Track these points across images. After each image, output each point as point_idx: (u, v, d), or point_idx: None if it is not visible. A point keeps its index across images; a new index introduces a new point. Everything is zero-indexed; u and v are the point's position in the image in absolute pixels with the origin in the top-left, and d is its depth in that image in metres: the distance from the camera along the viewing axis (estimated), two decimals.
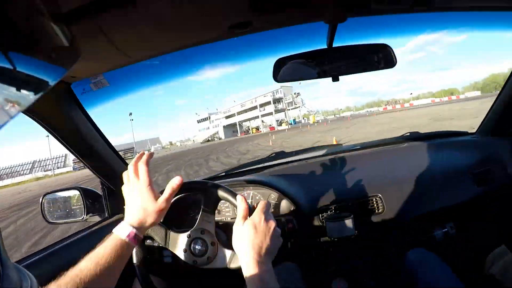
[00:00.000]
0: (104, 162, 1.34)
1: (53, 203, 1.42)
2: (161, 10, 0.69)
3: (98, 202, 1.47)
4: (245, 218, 0.86)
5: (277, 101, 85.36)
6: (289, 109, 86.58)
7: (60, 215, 1.43)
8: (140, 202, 0.89)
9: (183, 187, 0.96)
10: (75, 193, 1.43)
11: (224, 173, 1.90)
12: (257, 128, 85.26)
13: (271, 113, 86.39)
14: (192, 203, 1.43)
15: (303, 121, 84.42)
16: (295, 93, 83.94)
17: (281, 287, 0.80)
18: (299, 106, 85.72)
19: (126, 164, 1.45)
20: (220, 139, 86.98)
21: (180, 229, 1.08)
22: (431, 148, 1.79)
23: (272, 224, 0.86)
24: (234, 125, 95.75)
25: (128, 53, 0.85)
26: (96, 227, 1.34)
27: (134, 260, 1.05)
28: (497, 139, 1.69)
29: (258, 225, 0.84)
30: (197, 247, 1.02)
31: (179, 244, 1.05)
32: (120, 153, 1.46)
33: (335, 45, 0.95)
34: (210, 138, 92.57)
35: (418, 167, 1.61)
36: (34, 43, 0.35)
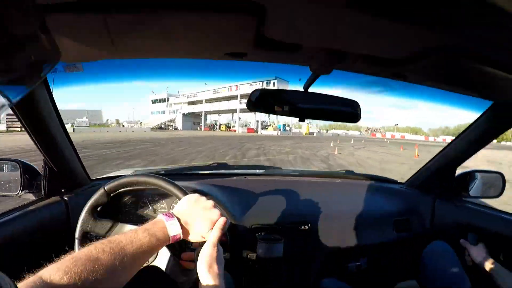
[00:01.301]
0: (53, 141, 1.28)
1: None
2: (169, 21, 0.72)
3: (36, 180, 1.39)
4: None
5: None
6: None
7: None
8: (202, 220, 0.85)
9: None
10: (13, 165, 1.34)
11: (163, 172, 1.89)
12: (228, 126, 69.79)
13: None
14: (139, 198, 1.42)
15: (294, 130, 65.58)
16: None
17: None
18: None
19: (74, 148, 1.41)
20: (176, 129, 69.65)
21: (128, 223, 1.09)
22: (362, 188, 1.99)
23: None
24: (198, 115, 73.54)
25: (120, 50, 0.85)
26: (32, 207, 1.27)
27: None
28: (422, 194, 1.91)
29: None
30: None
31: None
32: None
33: (311, 89, 1.05)
34: (163, 126, 72.04)
35: (347, 203, 1.79)
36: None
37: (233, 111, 66.40)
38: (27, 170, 1.35)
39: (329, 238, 1.61)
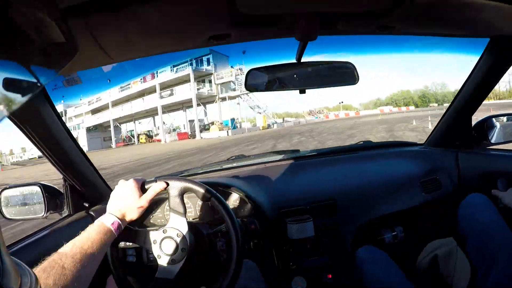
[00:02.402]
0: (68, 158, 1.32)
1: (11, 198, 1.37)
2: (148, 15, 0.73)
3: (59, 200, 1.44)
4: None
5: (201, 78, 40.17)
6: (224, 97, 41.42)
7: (18, 211, 1.37)
8: (126, 198, 0.99)
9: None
10: (35, 189, 1.39)
11: (184, 173, 1.92)
12: (150, 135, 46.45)
13: (186, 105, 42.48)
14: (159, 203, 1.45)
15: (245, 126, 42.34)
16: (237, 68, 39.30)
17: (241, 284, 0.87)
18: (239, 95, 40.57)
19: (89, 161, 1.44)
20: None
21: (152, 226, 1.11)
22: (383, 157, 1.96)
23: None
24: (107, 127, 47.38)
25: (110, 54, 0.87)
26: (59, 225, 1.31)
27: (109, 259, 1.07)
28: (444, 150, 1.87)
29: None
30: (168, 246, 1.04)
31: (150, 238, 1.07)
32: None
33: (304, 59, 1.04)
34: None
35: (370, 174, 1.75)
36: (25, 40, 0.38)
37: (152, 112, 44.36)
38: (48, 191, 1.39)
39: (357, 211, 1.61)
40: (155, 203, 1.46)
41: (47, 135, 1.18)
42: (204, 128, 41.45)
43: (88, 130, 47.17)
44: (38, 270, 0.68)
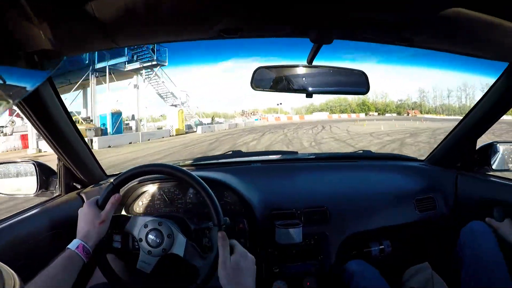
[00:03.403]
0: (65, 139, 1.30)
1: (4, 174, 1.35)
2: (159, 3, 0.70)
3: (52, 179, 1.43)
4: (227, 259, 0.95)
5: None
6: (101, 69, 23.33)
7: (10, 187, 1.36)
8: (86, 217, 1.04)
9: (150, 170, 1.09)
10: (28, 166, 1.37)
11: (180, 163, 1.90)
12: None
13: None
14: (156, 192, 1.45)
15: (146, 127, 27.46)
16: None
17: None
18: (140, 70, 25.61)
19: (86, 144, 1.43)
20: None
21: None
22: (381, 169, 1.93)
23: (252, 261, 1.00)
24: None
25: (115, 39, 0.84)
26: (48, 204, 1.30)
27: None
28: (443, 170, 1.84)
29: (243, 265, 0.96)
30: (153, 238, 1.05)
31: (136, 230, 1.09)
32: None
33: (315, 62, 1.01)
34: None
35: (366, 185, 1.73)
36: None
37: None
38: (42, 169, 1.38)
39: (348, 221, 1.58)
40: (145, 192, 1.46)
41: (45, 114, 1.17)
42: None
43: None
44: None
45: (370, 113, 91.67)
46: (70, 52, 0.95)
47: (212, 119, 40.72)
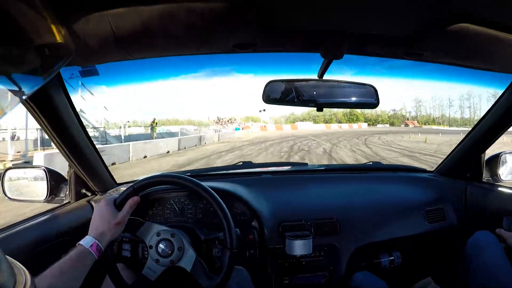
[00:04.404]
0: (76, 146, 1.32)
1: (15, 179, 1.37)
2: (174, 17, 0.71)
3: (62, 186, 1.44)
4: None
5: None
6: None
7: (21, 192, 1.37)
8: (102, 218, 1.02)
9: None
10: (39, 172, 1.38)
11: (189, 174, 1.91)
12: None
13: None
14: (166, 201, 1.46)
15: None
16: None
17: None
18: None
19: (97, 152, 1.44)
20: None
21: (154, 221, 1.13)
22: (390, 181, 1.93)
23: None
24: None
25: (130, 51, 0.86)
26: (58, 211, 1.31)
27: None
28: (453, 180, 1.84)
29: None
30: (163, 247, 1.06)
31: (148, 236, 1.10)
32: None
33: (326, 77, 1.02)
34: None
35: (376, 196, 1.73)
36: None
37: None
38: (53, 176, 1.39)
39: (358, 232, 1.58)
40: (156, 200, 1.47)
41: (58, 121, 1.18)
42: None
43: None
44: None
45: (358, 123, 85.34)
46: (86, 62, 0.97)
47: (152, 129, 25.55)
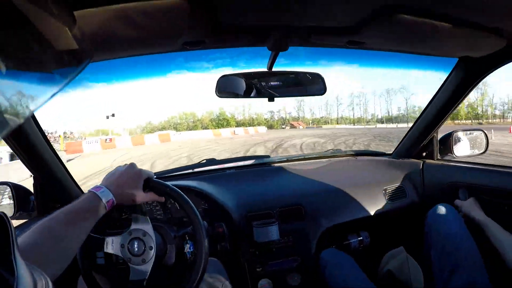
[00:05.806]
0: (39, 157, 1.30)
1: None
2: (124, 18, 0.75)
3: (29, 200, 1.42)
4: None
5: None
6: None
7: None
8: (131, 181, 0.96)
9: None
10: (4, 188, 1.36)
11: (155, 177, 1.91)
12: None
13: None
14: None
15: None
16: None
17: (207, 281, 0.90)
18: None
19: (61, 162, 1.42)
20: None
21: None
22: (351, 165, 2.05)
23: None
24: None
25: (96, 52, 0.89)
26: (26, 226, 1.30)
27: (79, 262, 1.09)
28: (409, 160, 1.96)
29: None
30: (135, 247, 1.07)
31: (118, 244, 1.08)
32: None
33: (274, 69, 1.09)
34: None
35: (337, 180, 1.81)
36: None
37: None
38: (18, 191, 1.37)
39: (323, 215, 1.65)
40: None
41: (19, 131, 1.17)
42: None
43: None
44: (29, 232, 0.71)
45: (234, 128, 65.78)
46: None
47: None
